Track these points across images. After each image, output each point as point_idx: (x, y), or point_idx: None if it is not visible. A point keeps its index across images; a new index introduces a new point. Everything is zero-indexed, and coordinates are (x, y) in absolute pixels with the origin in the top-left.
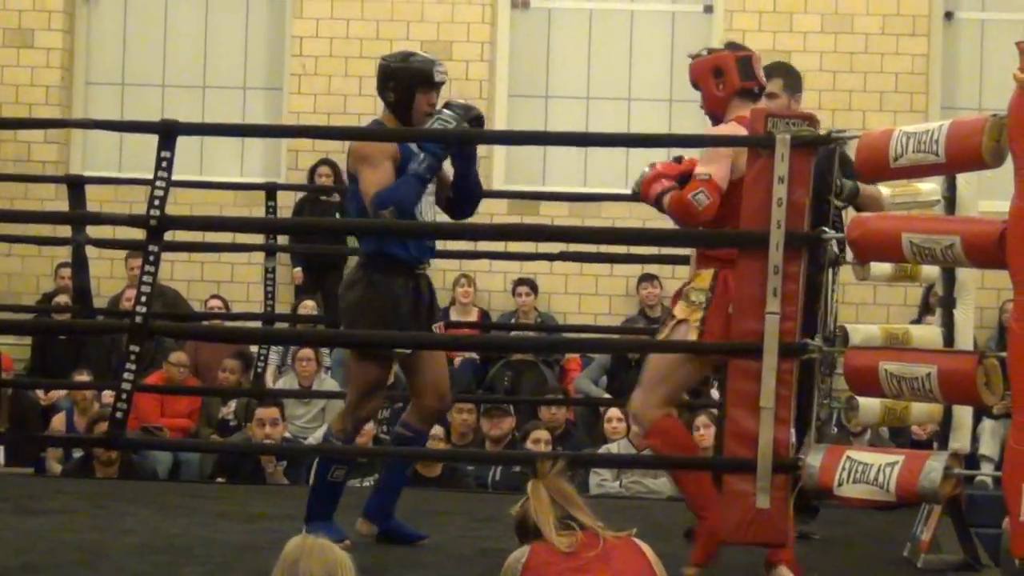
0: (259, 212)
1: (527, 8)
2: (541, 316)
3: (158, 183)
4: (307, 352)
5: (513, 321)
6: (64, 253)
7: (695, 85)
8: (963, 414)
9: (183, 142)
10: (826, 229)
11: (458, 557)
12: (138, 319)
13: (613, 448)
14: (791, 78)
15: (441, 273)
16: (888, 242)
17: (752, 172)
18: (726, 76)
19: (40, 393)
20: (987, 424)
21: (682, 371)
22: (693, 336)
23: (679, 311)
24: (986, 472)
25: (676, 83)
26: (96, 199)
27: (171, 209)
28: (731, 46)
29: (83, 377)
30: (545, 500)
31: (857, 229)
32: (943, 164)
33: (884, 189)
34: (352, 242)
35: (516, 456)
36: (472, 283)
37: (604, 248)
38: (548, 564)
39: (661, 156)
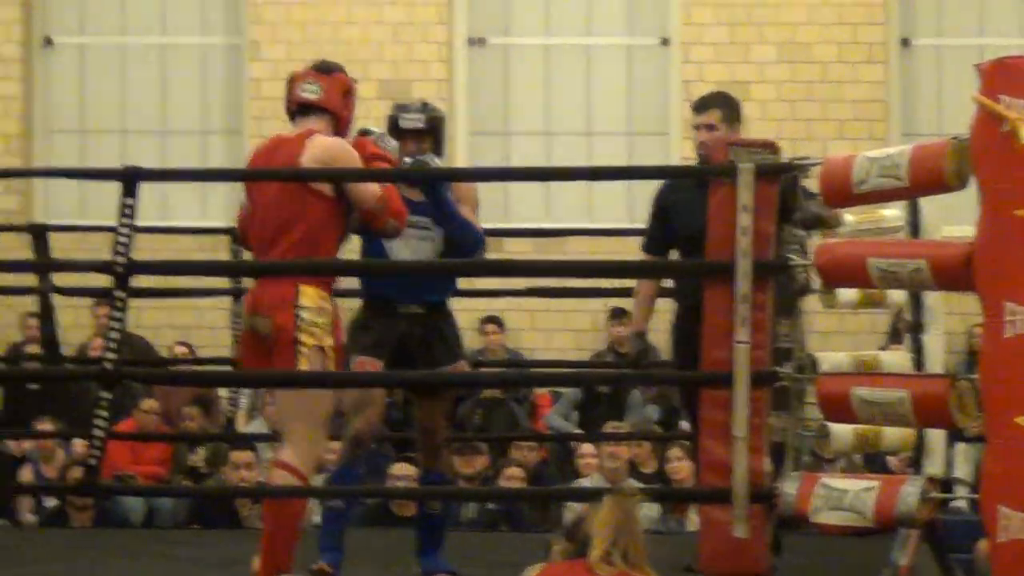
0: (222, 256)
1: (484, 45)
2: (509, 353)
3: (122, 229)
4: None
5: (480, 358)
6: (30, 303)
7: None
8: (936, 438)
9: (144, 187)
10: (793, 256)
11: None
12: (108, 365)
13: (586, 483)
14: (728, 109)
15: None
16: (854, 267)
17: (715, 201)
18: None
19: (13, 444)
20: (960, 447)
21: (323, 404)
22: (330, 363)
23: (309, 339)
24: (962, 495)
25: (635, 116)
26: (59, 248)
27: (134, 255)
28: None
29: (45, 426)
30: (613, 518)
31: (823, 255)
32: (907, 188)
33: (848, 216)
34: None
35: (491, 493)
36: None
37: (570, 283)
38: None
39: (621, 189)
